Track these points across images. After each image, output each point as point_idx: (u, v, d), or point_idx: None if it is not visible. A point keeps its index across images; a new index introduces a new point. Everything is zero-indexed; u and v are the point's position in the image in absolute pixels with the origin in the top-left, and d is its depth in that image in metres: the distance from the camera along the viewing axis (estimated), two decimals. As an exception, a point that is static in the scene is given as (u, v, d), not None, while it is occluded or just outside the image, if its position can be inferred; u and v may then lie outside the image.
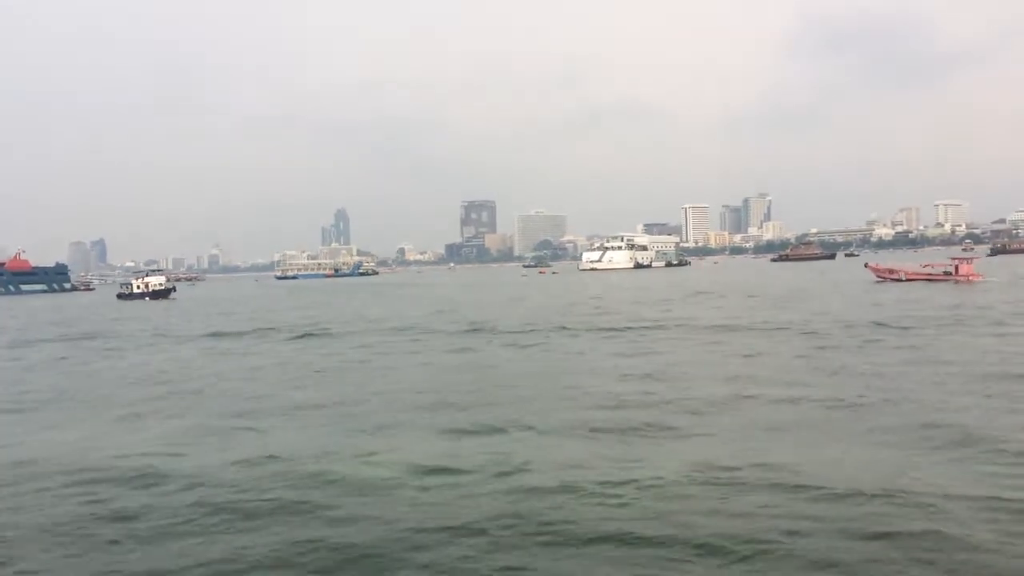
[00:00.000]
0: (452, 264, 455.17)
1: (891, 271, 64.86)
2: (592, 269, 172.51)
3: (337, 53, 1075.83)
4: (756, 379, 18.43)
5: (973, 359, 20.18)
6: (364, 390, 19.03)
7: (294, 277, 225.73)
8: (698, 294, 58.99)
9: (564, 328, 33.51)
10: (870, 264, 72.61)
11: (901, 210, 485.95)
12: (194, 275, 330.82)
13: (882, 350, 22.82)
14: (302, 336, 35.68)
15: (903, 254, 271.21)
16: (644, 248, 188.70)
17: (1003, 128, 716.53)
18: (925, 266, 62.60)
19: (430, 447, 12.80)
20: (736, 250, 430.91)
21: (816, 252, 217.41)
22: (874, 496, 9.26)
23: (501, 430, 13.88)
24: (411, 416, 15.51)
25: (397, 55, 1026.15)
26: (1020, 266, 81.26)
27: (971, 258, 62.55)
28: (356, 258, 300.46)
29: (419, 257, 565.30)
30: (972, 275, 57.15)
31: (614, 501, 9.55)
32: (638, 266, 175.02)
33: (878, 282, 62.01)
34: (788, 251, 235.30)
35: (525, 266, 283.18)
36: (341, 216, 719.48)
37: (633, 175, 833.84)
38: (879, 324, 29.50)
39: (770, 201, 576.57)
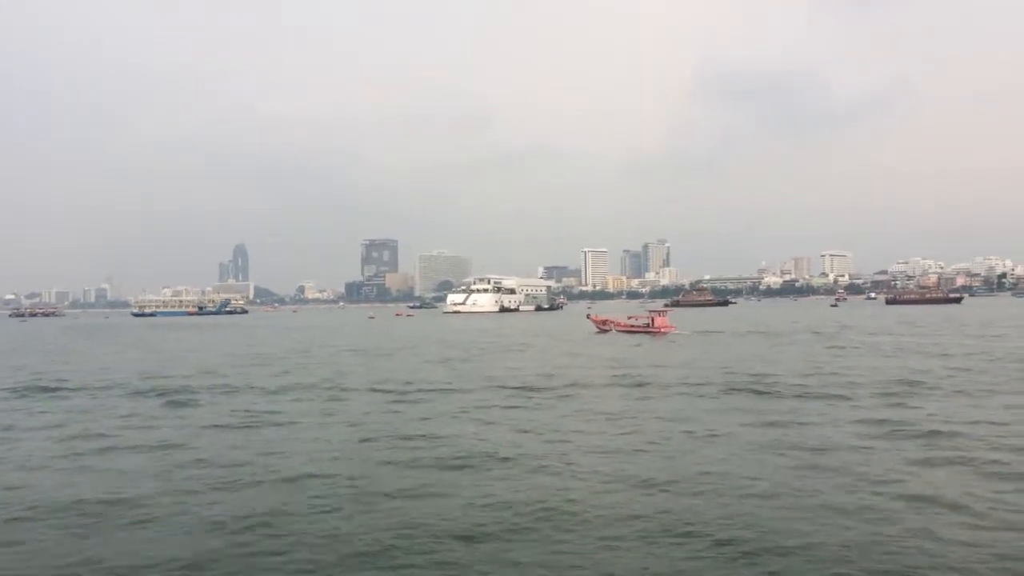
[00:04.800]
0: (342, 303, 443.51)
1: (605, 322, 69.43)
2: (456, 312, 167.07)
3: (242, 90, 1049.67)
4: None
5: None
6: None
7: (152, 314, 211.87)
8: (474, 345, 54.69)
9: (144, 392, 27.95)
10: (591, 315, 76.41)
11: (791, 259, 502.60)
12: (52, 310, 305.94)
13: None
14: None
15: (787, 302, 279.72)
16: (512, 291, 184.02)
17: (888, 182, 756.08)
18: (630, 318, 67.84)
19: None
20: (632, 294, 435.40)
21: (709, 299, 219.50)
22: None
23: None
24: None
25: (304, 93, 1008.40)
26: (711, 322, 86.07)
27: (664, 312, 69.16)
28: (226, 296, 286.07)
29: (319, 295, 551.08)
30: (665, 327, 62.59)
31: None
32: (504, 309, 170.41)
33: (597, 333, 66.21)
34: (680, 297, 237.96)
35: (411, 307, 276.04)
36: (240, 252, 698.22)
37: (539, 218, 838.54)
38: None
39: (669, 247, 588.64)
